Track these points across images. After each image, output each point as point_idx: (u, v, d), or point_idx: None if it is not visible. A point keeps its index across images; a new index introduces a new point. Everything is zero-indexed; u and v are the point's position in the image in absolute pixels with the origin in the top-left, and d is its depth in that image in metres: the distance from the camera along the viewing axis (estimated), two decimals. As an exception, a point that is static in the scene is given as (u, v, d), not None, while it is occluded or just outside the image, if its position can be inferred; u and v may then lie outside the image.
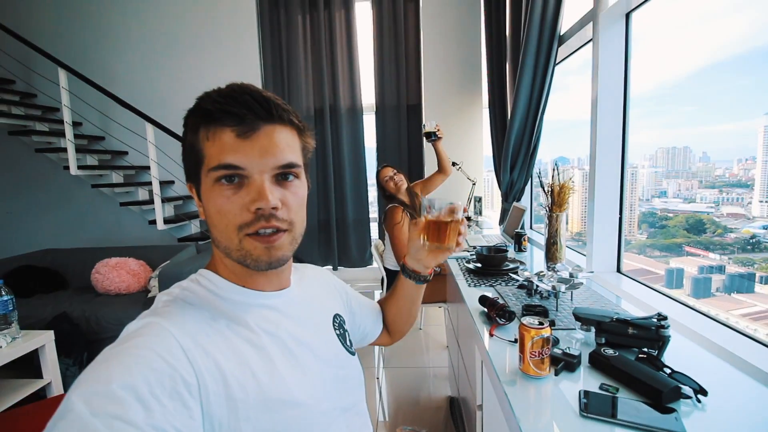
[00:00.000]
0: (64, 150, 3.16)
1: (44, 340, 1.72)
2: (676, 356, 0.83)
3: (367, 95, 3.46)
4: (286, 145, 0.54)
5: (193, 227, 3.39)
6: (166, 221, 3.11)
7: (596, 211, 1.57)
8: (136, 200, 3.37)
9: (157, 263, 2.86)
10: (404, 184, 2.32)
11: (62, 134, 3.20)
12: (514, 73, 2.21)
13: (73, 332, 2.21)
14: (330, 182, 3.52)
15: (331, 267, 3.67)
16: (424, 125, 2.51)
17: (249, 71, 3.40)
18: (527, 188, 2.49)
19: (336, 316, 0.71)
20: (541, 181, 1.45)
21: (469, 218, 2.72)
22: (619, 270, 1.59)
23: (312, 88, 3.44)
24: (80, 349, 2.17)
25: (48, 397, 1.70)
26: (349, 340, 0.71)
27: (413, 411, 1.96)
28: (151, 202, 3.19)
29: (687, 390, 0.70)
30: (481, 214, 2.91)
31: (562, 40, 1.86)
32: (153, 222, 3.06)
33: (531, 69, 1.91)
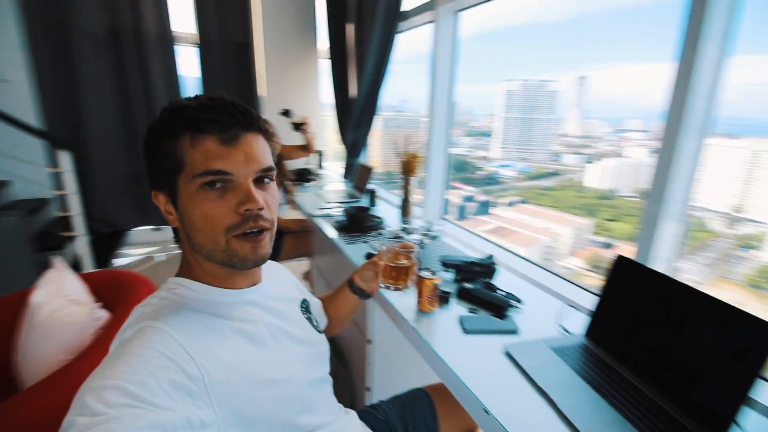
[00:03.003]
0: None
1: None
2: (501, 281, 1.28)
3: (187, 25, 2.91)
4: (264, 150, 0.59)
5: None
6: None
7: (432, 167, 1.99)
8: None
9: None
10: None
11: None
12: (356, 36, 2.33)
13: None
14: (139, 126, 2.91)
15: (152, 227, 3.18)
16: (291, 113, 2.55)
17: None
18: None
19: (303, 301, 0.79)
20: (397, 153, 1.71)
21: (310, 172, 2.84)
22: (443, 217, 2.09)
23: (100, 3, 2.62)
24: None
25: None
26: (316, 320, 0.81)
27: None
28: None
29: (513, 303, 1.12)
30: (321, 167, 3.06)
31: (404, 16, 2.07)
32: None
33: (377, 39, 2.06)
